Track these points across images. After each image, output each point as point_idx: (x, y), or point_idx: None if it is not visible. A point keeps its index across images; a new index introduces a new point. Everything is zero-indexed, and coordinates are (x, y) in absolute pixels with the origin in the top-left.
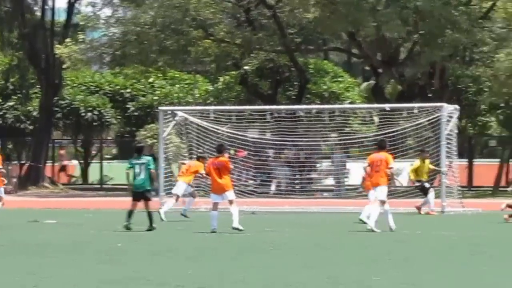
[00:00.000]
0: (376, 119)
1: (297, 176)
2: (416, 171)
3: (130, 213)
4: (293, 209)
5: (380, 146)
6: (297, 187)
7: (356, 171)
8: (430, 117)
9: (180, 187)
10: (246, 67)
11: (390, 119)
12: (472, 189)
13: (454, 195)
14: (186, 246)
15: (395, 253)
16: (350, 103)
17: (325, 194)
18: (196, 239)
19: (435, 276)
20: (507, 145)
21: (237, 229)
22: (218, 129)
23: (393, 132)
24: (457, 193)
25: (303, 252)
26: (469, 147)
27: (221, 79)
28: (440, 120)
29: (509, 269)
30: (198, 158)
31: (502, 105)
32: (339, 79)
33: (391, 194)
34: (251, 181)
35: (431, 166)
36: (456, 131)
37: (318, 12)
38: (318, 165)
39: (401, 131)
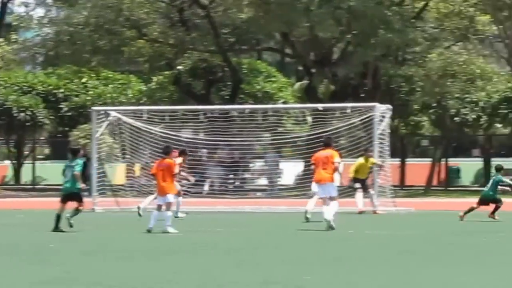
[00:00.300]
0: (309, 119)
1: (231, 176)
2: (358, 169)
3: (58, 217)
4: (226, 209)
5: (326, 143)
6: (230, 187)
7: (289, 171)
8: (363, 117)
9: None
10: (179, 67)
11: (323, 119)
12: (404, 188)
13: (386, 195)
14: (118, 246)
15: (326, 252)
16: (283, 103)
17: (258, 194)
18: (128, 239)
19: (365, 275)
20: (439, 144)
21: (168, 232)
22: (151, 129)
23: (326, 132)
24: (390, 193)
25: (235, 252)
26: (401, 147)
27: (155, 79)
28: (373, 119)
29: (438, 269)
30: (180, 153)
31: (434, 105)
32: (273, 79)
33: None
34: (185, 181)
35: (375, 161)
36: (389, 130)
37: (251, 12)
38: (251, 165)
39: (334, 131)
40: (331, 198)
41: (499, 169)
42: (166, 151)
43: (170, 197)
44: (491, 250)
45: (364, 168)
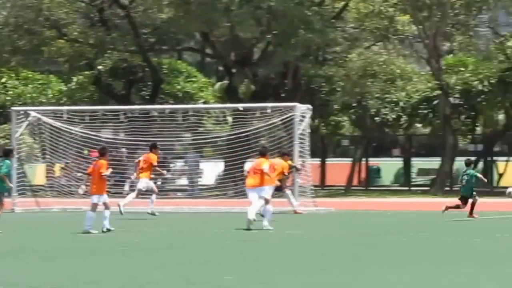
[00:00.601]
0: (229, 119)
1: (151, 176)
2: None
3: None
4: (147, 209)
5: (262, 153)
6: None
7: (209, 171)
8: (283, 117)
9: (142, 182)
10: (99, 67)
11: (244, 119)
12: (324, 188)
13: (307, 195)
14: (39, 247)
15: (247, 252)
16: (204, 103)
17: (179, 194)
18: (49, 239)
19: (286, 276)
20: (359, 144)
21: (109, 230)
22: (71, 130)
23: (247, 131)
24: (310, 193)
25: (156, 252)
26: (321, 147)
27: (75, 79)
28: (293, 119)
29: (359, 268)
30: (151, 149)
31: (354, 104)
32: (193, 79)
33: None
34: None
35: (290, 162)
36: (309, 130)
37: (172, 12)
38: (171, 165)
39: (255, 131)
40: (266, 201)
41: (469, 163)
42: (102, 152)
43: (98, 198)
44: (410, 249)
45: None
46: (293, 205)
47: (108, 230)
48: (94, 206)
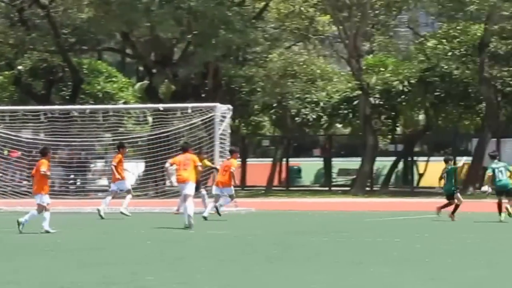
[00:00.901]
0: (150, 119)
1: (72, 177)
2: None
3: None
4: (67, 209)
5: (184, 148)
6: (71, 187)
7: (130, 171)
8: (204, 117)
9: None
10: (19, 67)
11: (164, 119)
12: (245, 188)
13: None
14: None
15: (168, 253)
16: (124, 103)
17: (100, 194)
18: None
19: (207, 275)
20: (280, 144)
21: (47, 231)
22: None
23: (167, 132)
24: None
25: (77, 252)
26: (242, 147)
27: None
28: (214, 120)
29: (277, 268)
30: (119, 148)
31: (274, 105)
32: (113, 79)
33: (166, 194)
34: (25, 182)
35: (208, 163)
36: (229, 130)
37: (92, 12)
38: (92, 165)
39: (175, 131)
40: (186, 196)
41: (448, 160)
42: (42, 152)
43: (37, 198)
44: (331, 249)
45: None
46: (206, 205)
47: (47, 231)
48: (39, 207)
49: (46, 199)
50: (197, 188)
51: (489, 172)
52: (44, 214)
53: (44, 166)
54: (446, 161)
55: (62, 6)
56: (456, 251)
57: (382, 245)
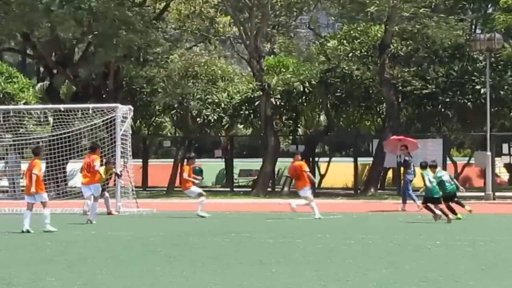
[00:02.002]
0: (51, 119)
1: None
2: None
3: None
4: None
5: (92, 149)
6: None
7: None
8: (105, 118)
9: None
10: None
11: (65, 120)
12: (147, 189)
13: (129, 196)
14: None
15: (69, 253)
16: (25, 103)
17: (0, 195)
18: None
19: (109, 276)
20: (181, 145)
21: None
22: None
23: (68, 132)
24: (132, 194)
25: None
26: (143, 148)
27: None
28: (115, 120)
29: (178, 269)
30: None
31: (176, 105)
32: (14, 79)
33: (68, 195)
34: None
35: (115, 170)
36: (131, 131)
37: None
38: None
39: (76, 132)
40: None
41: (426, 166)
42: (36, 152)
43: (38, 197)
44: (232, 250)
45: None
46: (108, 207)
47: (28, 231)
48: (44, 204)
49: (45, 196)
50: (102, 190)
51: (433, 181)
52: (26, 213)
53: (37, 166)
54: (426, 166)
55: None
56: (357, 252)
57: (284, 245)
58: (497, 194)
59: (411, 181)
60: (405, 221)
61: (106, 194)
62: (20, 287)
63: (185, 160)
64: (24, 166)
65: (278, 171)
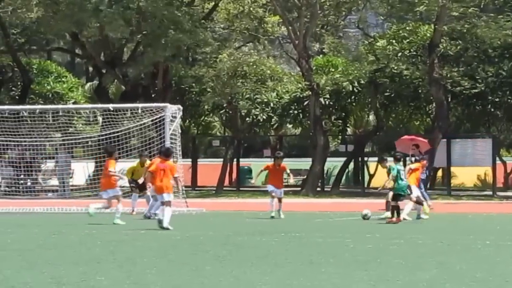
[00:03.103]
0: (100, 119)
1: (22, 176)
2: (133, 172)
3: None
4: (17, 209)
5: (108, 153)
6: (21, 187)
7: (80, 171)
8: (154, 117)
9: None
10: None
11: (114, 119)
12: (196, 189)
13: (178, 195)
14: None
15: (118, 253)
16: (74, 103)
17: (50, 194)
18: None
19: (158, 276)
20: (230, 145)
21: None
22: None
23: (117, 132)
24: (182, 193)
25: (27, 252)
26: (192, 147)
27: None
28: (164, 120)
29: (227, 269)
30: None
31: (224, 105)
32: (63, 79)
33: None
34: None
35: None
36: (180, 131)
37: (41, 12)
38: (42, 165)
39: (125, 131)
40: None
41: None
42: (110, 152)
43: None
44: (281, 249)
45: (140, 171)
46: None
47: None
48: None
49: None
50: (143, 189)
51: (394, 174)
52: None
53: (112, 166)
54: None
55: (11, 6)
56: (407, 252)
57: (333, 245)
58: None
59: (423, 180)
60: (453, 221)
61: (148, 193)
62: (70, 286)
63: (110, 154)
64: (73, 165)
65: (327, 170)
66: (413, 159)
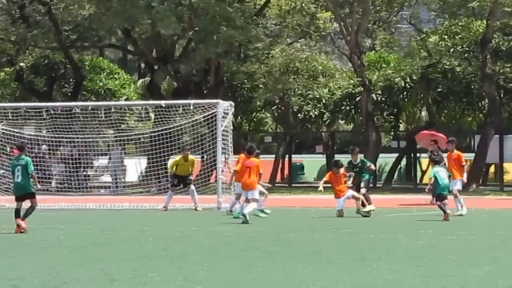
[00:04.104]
0: (152, 115)
1: (74, 173)
2: (176, 166)
3: None
4: (69, 206)
5: (249, 152)
6: (73, 184)
7: (133, 167)
8: (206, 114)
9: None
10: (21, 64)
11: (166, 116)
12: None
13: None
14: None
15: (170, 249)
16: (126, 99)
17: (102, 191)
18: None
19: (210, 272)
20: (282, 141)
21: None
22: None
23: (169, 128)
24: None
25: (79, 249)
26: (244, 144)
27: None
28: (216, 116)
29: (279, 265)
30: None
31: (276, 101)
32: (115, 76)
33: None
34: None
35: (193, 158)
36: (232, 127)
37: (93, 8)
38: (94, 161)
39: (178, 128)
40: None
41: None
42: (250, 151)
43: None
44: (333, 246)
45: (184, 166)
46: (195, 202)
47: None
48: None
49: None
50: (186, 184)
51: (431, 177)
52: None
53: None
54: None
55: (63, 3)
56: (459, 248)
57: (385, 241)
58: None
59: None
60: (506, 217)
61: (192, 187)
62: (122, 282)
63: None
64: (126, 161)
65: (379, 167)
66: (432, 155)
